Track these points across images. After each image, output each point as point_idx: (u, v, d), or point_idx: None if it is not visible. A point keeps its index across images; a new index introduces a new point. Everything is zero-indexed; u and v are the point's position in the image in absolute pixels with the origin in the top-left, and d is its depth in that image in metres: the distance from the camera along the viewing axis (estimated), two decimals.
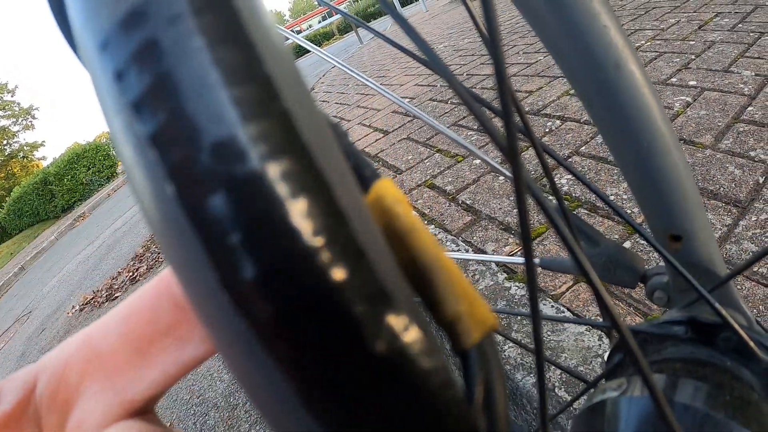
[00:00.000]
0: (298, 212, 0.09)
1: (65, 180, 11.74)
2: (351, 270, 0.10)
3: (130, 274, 3.38)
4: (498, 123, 1.71)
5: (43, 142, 28.05)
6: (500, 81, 0.11)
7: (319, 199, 0.10)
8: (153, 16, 0.10)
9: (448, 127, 2.46)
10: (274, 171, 0.09)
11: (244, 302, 0.09)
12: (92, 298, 3.36)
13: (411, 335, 0.10)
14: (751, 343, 0.26)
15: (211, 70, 0.09)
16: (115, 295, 3.17)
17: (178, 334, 0.16)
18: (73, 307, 3.44)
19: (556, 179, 1.62)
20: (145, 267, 3.35)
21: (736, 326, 0.25)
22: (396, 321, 0.10)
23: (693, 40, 2.28)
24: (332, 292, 0.09)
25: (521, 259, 0.40)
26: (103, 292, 3.35)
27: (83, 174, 12.00)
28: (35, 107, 27.48)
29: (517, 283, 1.21)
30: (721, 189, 1.22)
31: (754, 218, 1.10)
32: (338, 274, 0.09)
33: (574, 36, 0.28)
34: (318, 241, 0.09)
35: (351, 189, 0.11)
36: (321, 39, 20.95)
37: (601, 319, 0.98)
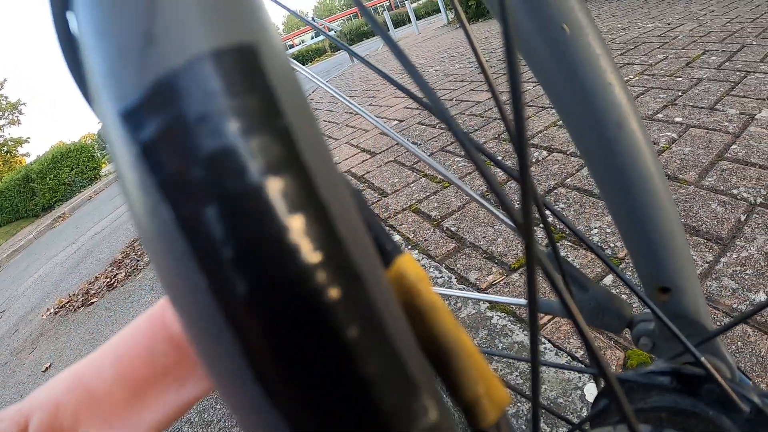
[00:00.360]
0: (329, 303, 0.09)
1: (48, 179, 11.56)
2: (383, 363, 0.10)
3: (108, 280, 3.32)
4: (494, 166, 1.73)
5: (28, 138, 27.65)
6: (522, 171, 0.12)
7: (355, 294, 0.10)
8: (183, 92, 0.10)
9: (433, 153, 2.47)
10: (313, 264, 0.09)
11: (281, 406, 0.10)
12: (68, 302, 3.29)
13: (434, 421, 0.10)
14: (734, 396, 0.27)
15: (250, 160, 0.09)
16: (92, 300, 3.11)
17: (177, 375, 0.16)
18: (48, 309, 3.36)
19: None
20: (124, 274, 3.29)
21: (721, 380, 0.26)
22: (420, 408, 0.10)
23: (680, 77, 2.33)
24: (363, 384, 0.10)
25: (518, 301, 0.40)
26: (79, 297, 3.28)
27: (66, 174, 11.84)
28: (23, 102, 27.14)
29: (499, 313, 1.21)
30: (704, 226, 1.25)
31: (735, 255, 1.12)
32: (370, 368, 0.10)
33: (579, 92, 0.29)
34: (354, 334, 0.10)
35: (381, 280, 0.11)
36: (313, 54, 21.21)
37: (581, 352, 0.98)
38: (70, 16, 0.15)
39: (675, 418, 0.28)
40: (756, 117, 1.72)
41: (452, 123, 0.15)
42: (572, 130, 0.32)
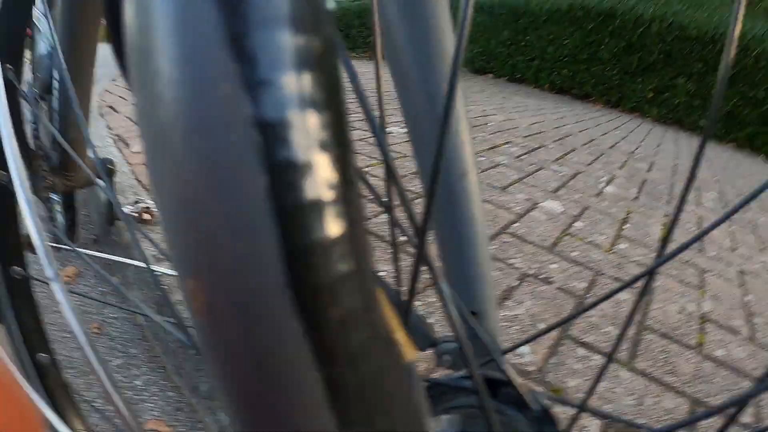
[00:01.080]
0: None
1: None
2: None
3: None
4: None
5: None
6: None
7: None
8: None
9: None
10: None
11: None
12: None
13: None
14: (527, 396, 0.33)
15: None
16: None
17: None
18: None
19: None
20: None
21: (517, 383, 0.32)
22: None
23: (483, 157, 2.67)
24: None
25: None
26: None
27: None
28: None
29: None
30: None
31: (504, 313, 1.31)
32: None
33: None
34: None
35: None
36: None
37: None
38: None
39: (478, 414, 0.34)
40: (539, 205, 2.06)
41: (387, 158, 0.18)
42: (424, 175, 0.38)
